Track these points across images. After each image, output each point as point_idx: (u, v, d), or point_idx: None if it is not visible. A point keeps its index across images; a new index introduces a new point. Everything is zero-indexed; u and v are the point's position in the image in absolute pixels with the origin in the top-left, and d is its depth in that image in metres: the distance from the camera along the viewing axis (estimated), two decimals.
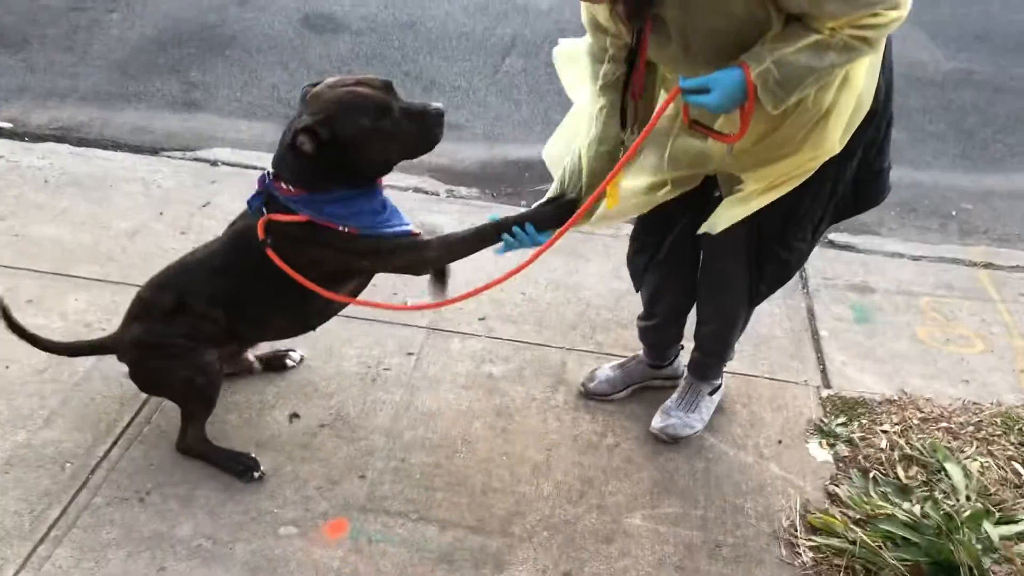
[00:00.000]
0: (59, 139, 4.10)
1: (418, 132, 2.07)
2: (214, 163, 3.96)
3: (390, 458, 2.43)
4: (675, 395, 2.62)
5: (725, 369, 2.76)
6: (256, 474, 2.33)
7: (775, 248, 2.23)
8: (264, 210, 2.13)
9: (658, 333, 2.64)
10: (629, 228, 2.53)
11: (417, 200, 3.76)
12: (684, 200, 2.25)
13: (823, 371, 2.88)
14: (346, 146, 2.03)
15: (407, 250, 2.19)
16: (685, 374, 2.65)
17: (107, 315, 2.86)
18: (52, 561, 2.08)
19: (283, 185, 2.10)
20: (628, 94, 2.02)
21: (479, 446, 2.50)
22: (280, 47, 5.23)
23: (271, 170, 2.14)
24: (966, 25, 6.01)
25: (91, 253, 3.17)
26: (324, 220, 2.10)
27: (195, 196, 3.59)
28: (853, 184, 2.17)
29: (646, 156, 2.18)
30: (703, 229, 2.18)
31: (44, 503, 2.22)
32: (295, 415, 2.55)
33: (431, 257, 2.21)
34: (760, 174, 2.06)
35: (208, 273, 2.26)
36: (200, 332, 2.28)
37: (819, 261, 3.47)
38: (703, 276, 2.44)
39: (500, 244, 2.16)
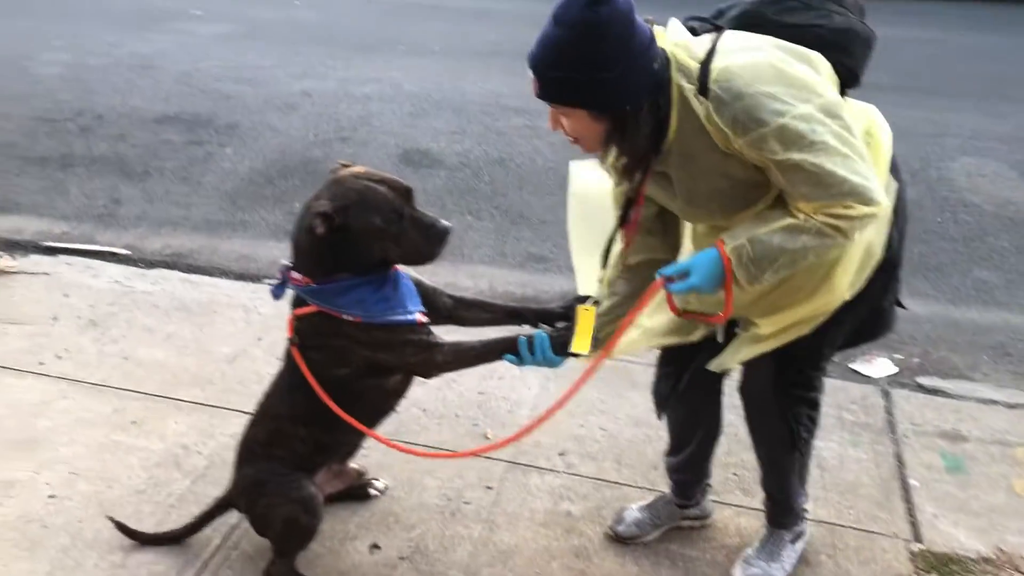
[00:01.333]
0: (170, 265, 4.39)
1: (420, 243, 2.15)
2: None
3: None
4: (756, 543, 2.57)
5: (809, 517, 2.71)
6: None
7: (799, 392, 2.30)
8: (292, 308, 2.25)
9: (684, 470, 2.64)
10: None
11: (499, 330, 3.84)
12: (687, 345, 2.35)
13: (913, 523, 2.78)
14: (352, 237, 2.11)
15: (418, 348, 2.23)
16: (765, 523, 2.60)
17: (204, 438, 3.00)
18: None
19: (295, 275, 2.20)
20: (621, 234, 2.19)
21: None
22: None
23: (287, 262, 2.23)
24: None
25: (193, 377, 3.35)
26: (331, 309, 2.18)
27: None
28: None
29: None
30: (712, 366, 2.27)
31: None
32: (376, 546, 2.60)
33: (440, 361, 2.26)
34: (773, 319, 2.14)
35: (284, 392, 2.36)
36: (296, 456, 2.36)
37: (908, 406, 3.41)
38: (748, 426, 2.48)
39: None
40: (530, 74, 1.90)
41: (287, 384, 2.35)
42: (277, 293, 2.27)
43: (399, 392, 2.39)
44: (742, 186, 1.97)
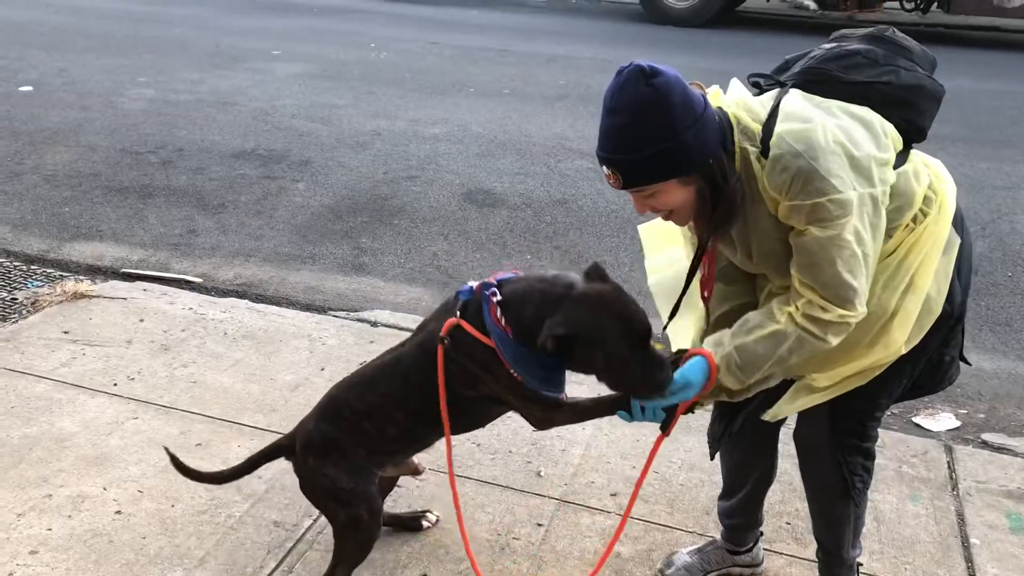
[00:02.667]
0: (240, 295, 4.54)
1: (637, 383, 2.07)
2: (374, 324, 4.27)
3: None
4: None
5: (863, 571, 2.66)
6: None
7: (854, 441, 2.27)
8: (459, 314, 2.19)
9: (736, 514, 2.62)
10: None
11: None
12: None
13: None
14: (571, 356, 2.08)
15: (545, 406, 2.24)
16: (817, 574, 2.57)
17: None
18: None
19: (498, 312, 2.11)
20: (697, 286, 2.23)
21: None
22: (443, 218, 5.65)
23: (498, 293, 2.14)
24: None
25: (257, 403, 3.45)
26: (503, 357, 2.14)
27: (354, 354, 3.86)
28: None
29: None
30: (766, 416, 2.25)
31: None
32: None
33: (558, 419, 2.28)
34: (829, 373, 2.13)
35: (399, 375, 2.31)
36: (382, 436, 2.35)
37: (971, 463, 3.33)
38: (801, 474, 2.46)
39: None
40: (605, 170, 1.93)
41: (407, 366, 2.30)
42: (463, 295, 2.21)
43: (495, 417, 2.41)
44: (789, 252, 2.00)
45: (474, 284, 2.23)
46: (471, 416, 2.37)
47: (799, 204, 1.87)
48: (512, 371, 2.14)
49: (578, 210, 5.82)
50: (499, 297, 2.13)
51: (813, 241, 1.89)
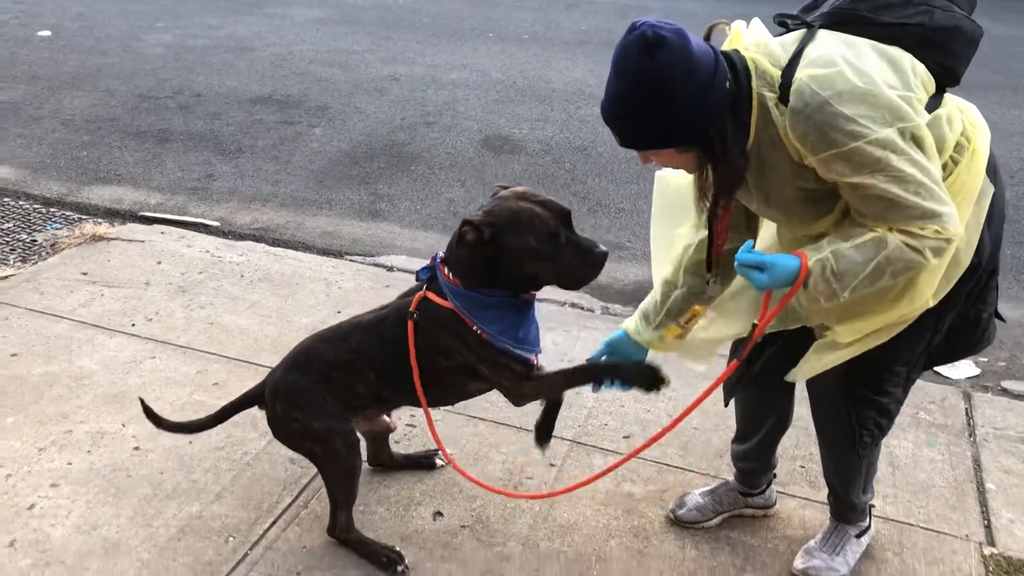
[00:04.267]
0: (257, 239, 4.55)
1: (574, 265, 2.15)
2: (390, 269, 4.27)
3: (524, 567, 2.48)
4: (819, 535, 2.54)
5: (876, 513, 2.66)
6: (400, 568, 2.43)
7: (869, 395, 2.21)
8: (425, 287, 2.30)
9: (750, 459, 2.61)
10: None
11: (572, 315, 3.89)
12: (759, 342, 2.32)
13: (987, 527, 2.70)
14: (506, 255, 2.16)
15: (513, 376, 2.28)
16: (829, 515, 2.57)
17: None
18: None
19: (446, 271, 2.24)
20: (712, 243, 2.15)
21: (613, 566, 2.50)
22: (460, 165, 5.61)
23: (442, 254, 2.29)
24: None
25: (274, 344, 3.47)
26: (465, 316, 2.21)
27: (370, 298, 3.86)
28: (947, 331, 2.14)
29: (737, 301, 2.31)
30: (789, 377, 2.21)
31: (207, 572, 2.41)
32: (439, 513, 2.66)
33: (526, 392, 2.31)
34: (853, 327, 2.07)
35: (375, 337, 2.38)
36: (350, 392, 2.41)
37: (990, 409, 3.30)
38: (814, 420, 2.42)
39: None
40: (609, 127, 1.90)
41: (385, 336, 2.36)
42: (420, 276, 2.33)
43: (475, 394, 2.47)
44: (814, 196, 1.95)
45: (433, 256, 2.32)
46: (447, 390, 2.42)
47: (837, 152, 1.79)
48: (475, 328, 2.20)
49: (597, 157, 5.76)
50: (441, 255, 2.28)
51: (874, 187, 1.80)
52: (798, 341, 2.36)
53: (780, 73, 1.85)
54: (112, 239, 4.32)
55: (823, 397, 2.35)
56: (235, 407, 2.60)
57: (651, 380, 2.19)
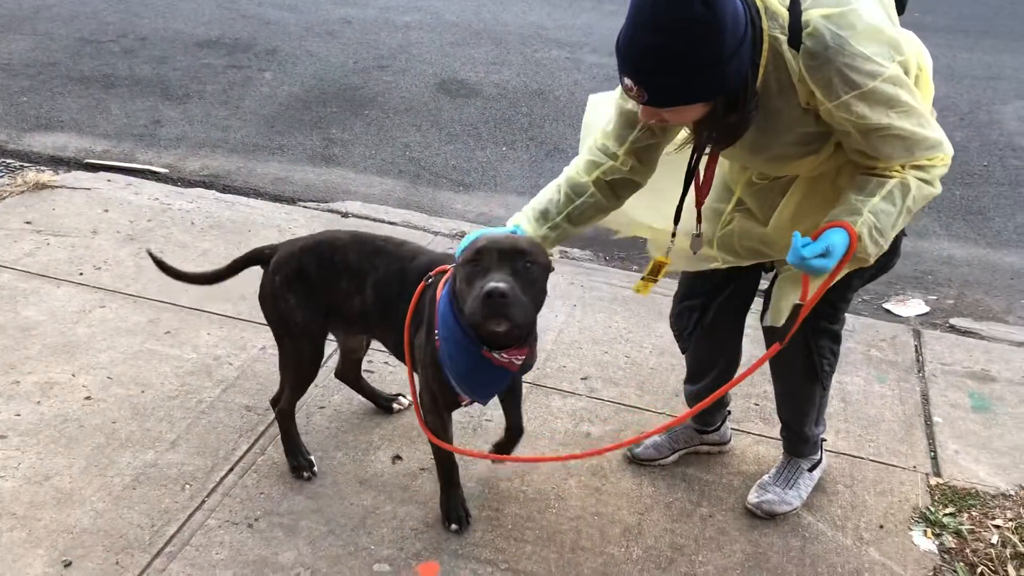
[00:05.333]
0: (207, 185, 4.45)
1: (471, 294, 1.97)
2: (345, 215, 4.20)
3: (484, 507, 2.49)
4: (773, 470, 2.59)
5: (828, 448, 2.72)
6: (306, 475, 2.54)
7: (824, 324, 2.26)
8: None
9: (702, 398, 2.63)
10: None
11: None
12: (714, 281, 2.36)
13: (934, 458, 2.78)
14: None
15: (430, 399, 2.26)
16: (783, 451, 2.62)
17: (236, 350, 3.07)
18: (166, 574, 2.23)
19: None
20: (698, 195, 2.12)
21: (571, 503, 2.53)
22: (415, 109, 5.52)
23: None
24: None
25: (226, 292, 3.39)
26: (438, 317, 2.13)
27: None
28: None
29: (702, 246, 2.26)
30: (768, 321, 2.22)
31: (163, 519, 2.39)
32: (398, 457, 2.66)
33: (427, 421, 2.29)
34: None
35: (396, 269, 2.31)
36: (348, 303, 2.36)
37: (938, 345, 3.38)
38: (770, 358, 2.42)
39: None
40: (628, 83, 1.75)
41: (405, 276, 2.28)
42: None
43: None
44: (809, 139, 1.93)
45: None
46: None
47: (858, 94, 1.76)
48: (436, 332, 2.13)
49: (555, 101, 5.71)
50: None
51: (891, 126, 1.80)
52: (747, 284, 2.40)
53: (787, 12, 1.77)
54: (56, 187, 4.19)
55: (780, 333, 2.35)
56: (244, 262, 2.55)
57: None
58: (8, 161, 4.56)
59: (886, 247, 1.93)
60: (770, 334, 2.32)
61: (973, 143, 5.17)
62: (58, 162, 4.62)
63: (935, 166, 1.89)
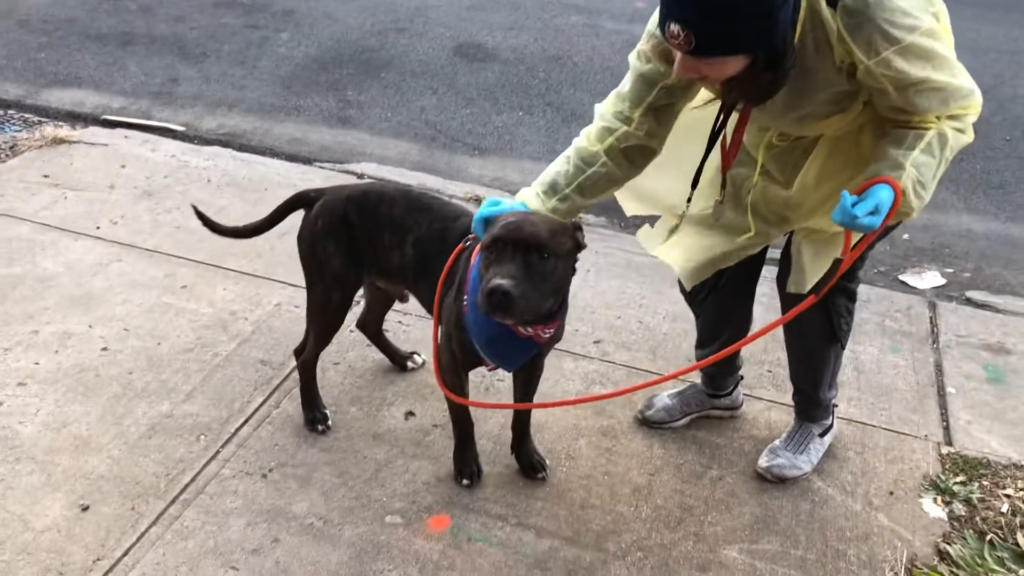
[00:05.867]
0: (224, 144, 4.45)
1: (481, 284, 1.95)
2: (360, 176, 4.20)
3: (495, 463, 2.51)
4: (784, 435, 2.60)
5: (839, 415, 2.72)
6: (321, 428, 2.57)
7: (843, 283, 2.23)
8: None
9: (716, 364, 2.63)
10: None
11: None
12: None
13: (946, 428, 2.78)
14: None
15: (447, 356, 2.25)
16: (794, 416, 2.62)
17: (251, 305, 3.09)
18: (181, 521, 2.26)
19: None
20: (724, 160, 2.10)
21: (582, 463, 2.55)
22: (432, 72, 5.49)
23: None
24: None
25: (242, 249, 3.42)
26: (468, 284, 2.12)
27: None
28: None
29: (724, 214, 2.25)
30: (797, 289, 2.20)
31: (179, 468, 2.42)
32: (411, 413, 2.68)
33: (444, 379, 2.26)
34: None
35: (439, 228, 2.30)
36: (386, 258, 2.36)
37: (954, 318, 3.36)
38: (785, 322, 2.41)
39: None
40: (674, 28, 1.70)
41: (446, 236, 2.27)
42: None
43: None
44: (837, 97, 1.91)
45: None
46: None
47: (898, 48, 1.74)
48: (465, 298, 2.11)
49: (572, 66, 5.66)
50: None
51: (928, 79, 1.79)
52: (759, 253, 2.38)
53: None
54: (74, 142, 4.20)
55: (798, 297, 2.28)
56: (288, 207, 2.55)
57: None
58: (26, 116, 4.57)
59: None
60: (789, 301, 2.30)
61: (996, 117, 5.11)
62: (75, 118, 4.62)
63: (968, 114, 1.88)
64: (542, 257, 1.93)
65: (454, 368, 2.28)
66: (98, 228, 3.50)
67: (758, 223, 2.22)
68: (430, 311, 2.34)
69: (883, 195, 1.83)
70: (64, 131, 4.28)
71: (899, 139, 1.88)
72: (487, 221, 2.03)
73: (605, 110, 2.13)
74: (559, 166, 2.15)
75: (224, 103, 4.97)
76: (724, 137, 2.09)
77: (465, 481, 2.41)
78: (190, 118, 4.76)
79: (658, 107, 2.06)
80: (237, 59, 5.55)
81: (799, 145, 2.10)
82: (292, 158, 4.37)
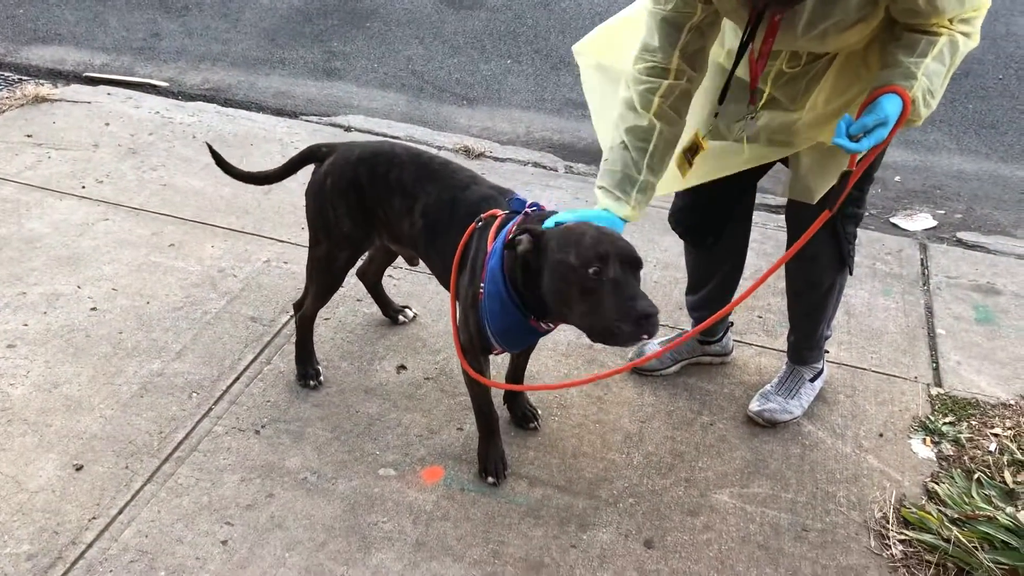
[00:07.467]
0: (208, 99, 4.39)
1: (607, 308, 1.85)
2: (347, 129, 4.15)
3: None
4: (775, 380, 2.61)
5: (830, 359, 2.73)
6: (313, 383, 2.58)
7: (852, 209, 2.25)
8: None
9: (704, 307, 2.64)
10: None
11: (535, 175, 3.83)
12: (741, 183, 2.31)
13: (936, 369, 2.79)
14: (545, 269, 1.94)
15: (465, 338, 2.19)
16: (785, 361, 2.63)
17: (240, 262, 3.07)
18: (175, 478, 2.27)
19: (513, 236, 2.01)
20: (744, 66, 2.05)
21: (574, 412, 2.56)
22: (418, 21, 5.40)
23: (540, 212, 2.12)
24: None
25: (229, 205, 3.40)
26: (486, 271, 2.07)
27: None
28: None
29: (724, 120, 2.21)
30: (794, 195, 2.20)
31: (171, 426, 2.42)
32: (403, 367, 2.68)
33: (467, 360, 2.20)
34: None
35: (448, 199, 2.23)
36: (399, 220, 2.30)
37: (944, 259, 3.36)
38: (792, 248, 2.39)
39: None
40: None
41: (456, 209, 2.21)
42: (516, 204, 2.14)
43: None
44: (860, 10, 1.86)
45: (530, 202, 2.14)
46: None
47: None
48: (482, 284, 2.07)
49: (560, 12, 5.57)
50: (530, 208, 2.11)
51: None
52: (752, 189, 2.38)
53: None
54: (56, 100, 4.14)
55: (809, 223, 2.13)
56: (300, 161, 2.51)
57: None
58: (6, 74, 4.49)
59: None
60: (799, 226, 2.21)
61: (988, 55, 5.05)
62: (57, 75, 4.55)
63: (976, 17, 1.87)
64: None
65: (473, 351, 2.21)
66: (83, 187, 3.46)
67: (753, 147, 2.19)
68: (441, 283, 2.32)
69: (890, 108, 1.83)
70: (46, 89, 4.21)
71: (911, 45, 1.87)
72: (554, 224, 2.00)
73: (634, 76, 2.08)
74: (620, 157, 2.08)
75: (208, 57, 4.90)
76: (751, 51, 2.03)
77: (490, 479, 2.33)
78: (173, 73, 4.69)
79: (690, 52, 2.04)
80: (220, 12, 5.45)
81: (809, 70, 2.07)
82: (278, 112, 4.32)
